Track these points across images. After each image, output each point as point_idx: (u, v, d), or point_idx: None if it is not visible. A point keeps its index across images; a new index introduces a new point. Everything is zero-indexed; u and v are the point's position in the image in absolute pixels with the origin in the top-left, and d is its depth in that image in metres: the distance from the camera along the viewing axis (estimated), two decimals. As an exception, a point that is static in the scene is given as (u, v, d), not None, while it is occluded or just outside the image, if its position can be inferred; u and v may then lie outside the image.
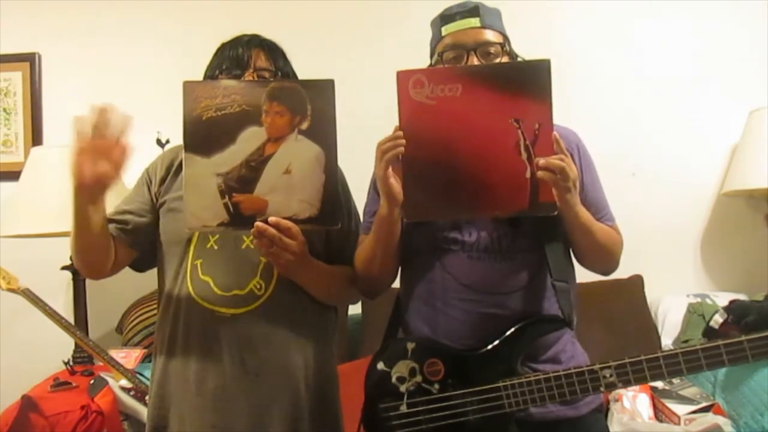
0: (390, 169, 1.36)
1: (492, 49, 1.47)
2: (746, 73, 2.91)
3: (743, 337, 1.29)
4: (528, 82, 1.33)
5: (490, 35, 1.48)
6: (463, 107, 1.34)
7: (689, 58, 2.97)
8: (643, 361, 1.33)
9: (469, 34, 1.47)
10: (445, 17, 1.51)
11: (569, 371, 1.37)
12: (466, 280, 1.46)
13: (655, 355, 1.33)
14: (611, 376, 1.34)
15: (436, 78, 1.35)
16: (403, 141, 1.34)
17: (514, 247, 1.46)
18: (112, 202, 2.67)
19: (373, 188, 1.59)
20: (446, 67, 1.46)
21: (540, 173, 1.31)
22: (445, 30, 1.50)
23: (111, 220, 1.61)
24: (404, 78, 1.35)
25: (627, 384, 1.35)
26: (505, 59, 1.49)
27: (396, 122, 1.38)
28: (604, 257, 1.53)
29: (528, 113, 1.33)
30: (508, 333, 1.42)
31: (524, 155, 1.33)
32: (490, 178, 1.35)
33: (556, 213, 1.36)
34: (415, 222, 1.49)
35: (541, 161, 1.30)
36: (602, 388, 1.36)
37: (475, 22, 1.47)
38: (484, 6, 1.50)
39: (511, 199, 1.36)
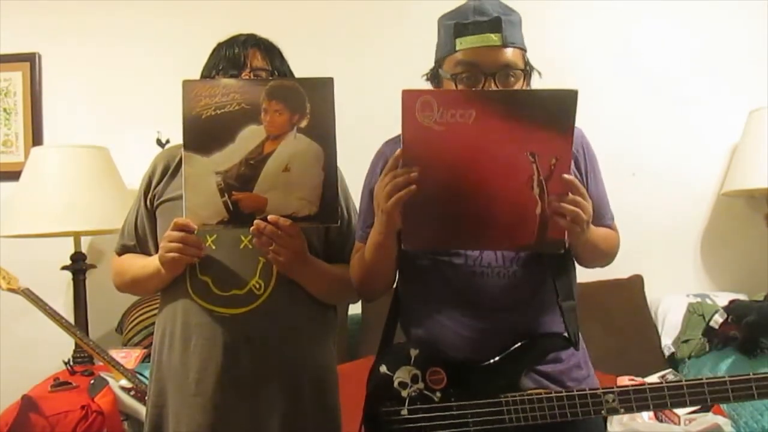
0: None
1: (512, 74, 1.35)
2: (746, 73, 2.92)
3: (751, 375, 1.29)
4: (550, 112, 1.21)
5: (511, 55, 1.35)
6: (475, 135, 1.22)
7: (689, 58, 2.97)
8: (647, 389, 1.32)
9: (489, 54, 1.33)
10: (460, 28, 1.35)
11: (572, 393, 1.35)
12: (470, 297, 1.43)
13: (660, 385, 1.32)
14: (614, 401, 1.33)
15: (447, 102, 1.21)
16: (416, 175, 1.23)
17: (517, 262, 1.43)
18: (115, 202, 2.68)
19: (368, 196, 1.51)
20: (459, 91, 1.34)
21: (553, 215, 1.24)
22: (460, 44, 1.35)
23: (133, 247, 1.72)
24: (410, 99, 1.21)
25: (629, 410, 1.34)
26: (524, 84, 1.38)
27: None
28: (604, 259, 1.54)
29: (545, 147, 1.21)
30: (512, 348, 1.40)
31: (536, 191, 1.24)
32: (497, 213, 1.26)
33: (563, 251, 1.32)
34: None
35: (554, 204, 1.23)
36: (604, 412, 1.34)
37: (495, 39, 1.32)
38: (506, 17, 1.35)
39: (518, 236, 1.28)
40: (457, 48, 1.36)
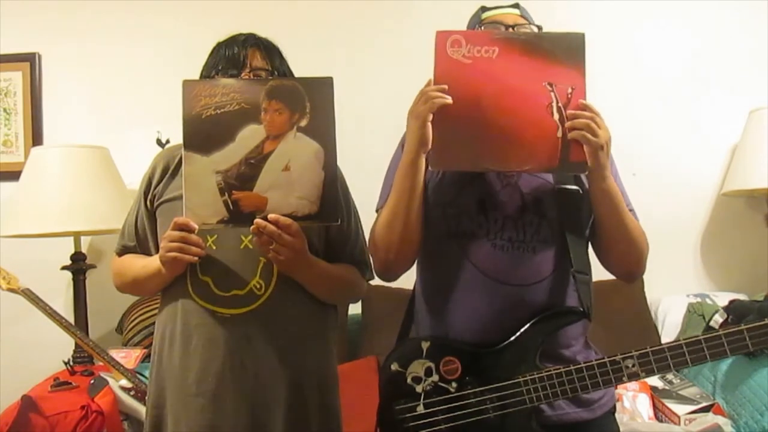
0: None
1: (528, 29, 1.53)
2: (746, 73, 2.92)
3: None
4: (563, 50, 1.37)
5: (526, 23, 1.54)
6: (498, 68, 1.36)
7: (689, 58, 2.97)
8: (666, 349, 1.32)
9: (508, 17, 1.54)
10: (485, 8, 1.57)
11: (590, 363, 1.36)
12: (488, 270, 1.44)
13: (678, 342, 1.32)
14: (634, 365, 1.33)
15: (473, 39, 1.38)
16: (446, 88, 1.35)
17: (538, 237, 1.45)
18: (115, 202, 2.68)
19: (392, 176, 1.52)
20: (485, 31, 1.50)
21: (570, 133, 1.34)
22: (485, 16, 1.55)
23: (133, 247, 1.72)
24: (442, 37, 1.37)
25: (650, 373, 1.34)
26: None
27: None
28: (630, 252, 1.48)
29: (562, 78, 1.36)
30: (526, 327, 1.40)
31: (556, 116, 1.36)
32: (521, 134, 1.37)
33: (586, 173, 1.38)
34: (438, 204, 1.48)
35: (571, 121, 1.34)
36: (625, 378, 1.35)
37: (514, 11, 1.55)
38: (522, 5, 1.59)
39: (542, 156, 1.37)
40: (482, 19, 1.56)
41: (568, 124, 1.34)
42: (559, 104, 1.35)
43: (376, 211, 1.56)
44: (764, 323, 1.28)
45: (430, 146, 1.37)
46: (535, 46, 1.37)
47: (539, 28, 1.55)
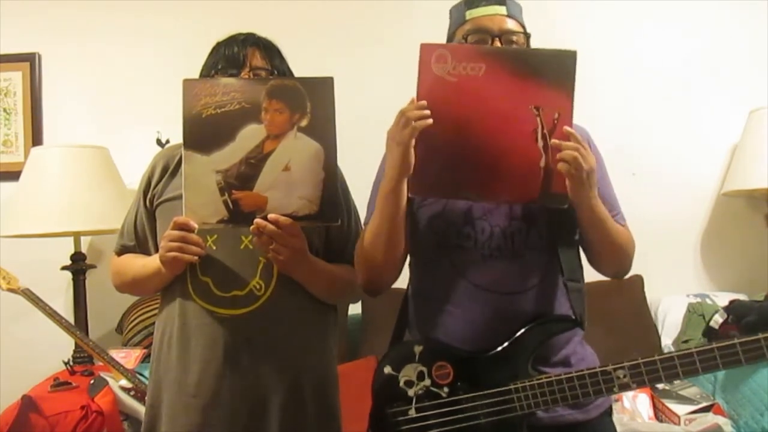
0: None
1: (515, 38, 1.45)
2: (746, 73, 2.92)
3: (761, 335, 1.27)
4: (552, 70, 1.31)
5: (514, 25, 1.46)
6: (484, 87, 1.31)
7: (689, 58, 2.98)
8: (658, 361, 1.30)
9: (495, 20, 1.45)
10: (470, 2, 1.48)
11: (582, 372, 1.34)
12: (478, 281, 1.43)
13: (670, 355, 1.30)
14: (625, 376, 1.31)
15: (459, 55, 1.32)
16: (429, 113, 1.30)
17: (527, 245, 1.44)
18: (115, 202, 2.68)
19: (378, 189, 1.52)
20: (471, 45, 1.43)
21: (558, 165, 1.29)
22: (469, 14, 1.47)
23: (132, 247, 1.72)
24: (427, 51, 1.32)
25: (641, 384, 1.32)
26: None
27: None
28: (618, 258, 1.49)
29: (548, 102, 1.30)
30: (518, 334, 1.39)
31: (540, 143, 1.31)
32: (503, 162, 1.33)
33: (566, 206, 1.34)
34: (425, 218, 1.47)
35: (554, 150, 1.29)
36: (615, 389, 1.33)
37: (500, 9, 1.46)
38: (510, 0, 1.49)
39: (522, 187, 1.34)
40: (466, 18, 1.47)
41: (558, 156, 1.29)
42: (544, 131, 1.30)
43: (364, 224, 1.55)
44: (757, 338, 1.26)
45: (411, 171, 1.34)
46: (523, 64, 1.31)
47: (525, 29, 1.49)
